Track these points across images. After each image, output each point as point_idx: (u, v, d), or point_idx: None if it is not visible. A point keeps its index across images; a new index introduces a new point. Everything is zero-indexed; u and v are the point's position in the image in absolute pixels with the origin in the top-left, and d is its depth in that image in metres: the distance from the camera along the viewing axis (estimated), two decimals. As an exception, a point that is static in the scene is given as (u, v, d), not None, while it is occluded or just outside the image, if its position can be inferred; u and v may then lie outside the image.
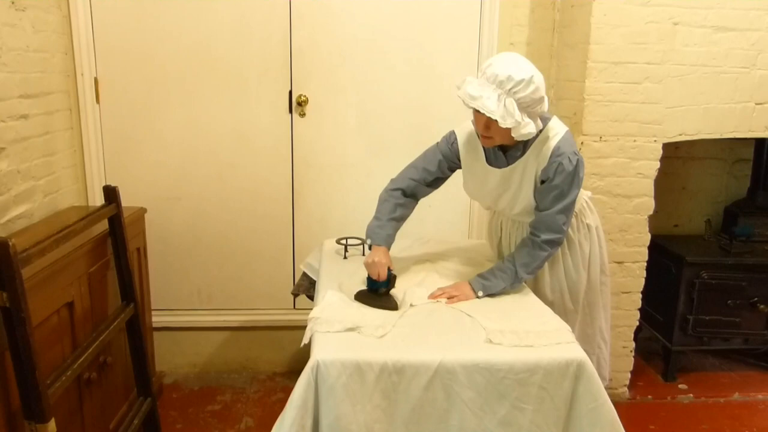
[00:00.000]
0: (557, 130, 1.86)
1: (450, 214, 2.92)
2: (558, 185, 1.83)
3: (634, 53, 2.47)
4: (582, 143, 2.53)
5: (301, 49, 2.69)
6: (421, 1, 2.70)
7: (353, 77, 2.75)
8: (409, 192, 2.04)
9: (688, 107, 2.56)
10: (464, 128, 2.02)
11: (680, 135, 2.59)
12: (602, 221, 2.22)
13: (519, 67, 1.69)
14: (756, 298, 2.89)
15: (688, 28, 2.47)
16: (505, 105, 1.67)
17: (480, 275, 1.92)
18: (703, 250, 2.99)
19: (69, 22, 2.53)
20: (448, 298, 1.86)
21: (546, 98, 1.75)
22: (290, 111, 2.75)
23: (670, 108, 2.54)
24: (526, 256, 1.91)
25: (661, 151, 2.58)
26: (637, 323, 2.80)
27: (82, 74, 2.60)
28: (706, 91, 2.55)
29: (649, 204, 2.64)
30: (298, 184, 2.84)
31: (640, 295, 2.75)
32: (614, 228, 2.63)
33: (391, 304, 1.81)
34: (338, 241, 2.33)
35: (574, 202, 1.88)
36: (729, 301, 2.89)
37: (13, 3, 2.14)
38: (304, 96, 2.73)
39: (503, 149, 1.92)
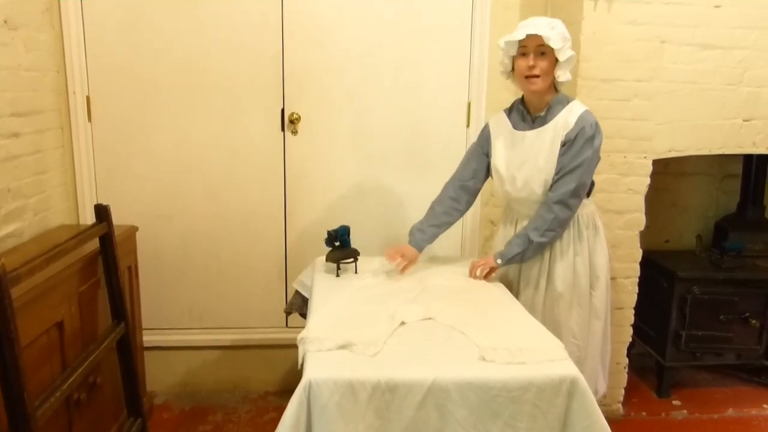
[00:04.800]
0: (581, 106, 2.11)
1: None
2: (576, 146, 2.05)
3: (623, 70, 2.50)
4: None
5: (293, 66, 2.70)
6: (412, 18, 2.72)
7: (345, 95, 2.76)
8: (455, 195, 2.29)
9: (677, 124, 2.58)
10: (496, 116, 2.28)
11: (670, 151, 2.61)
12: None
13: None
14: (748, 313, 2.90)
15: (676, 46, 2.51)
16: (558, 31, 1.98)
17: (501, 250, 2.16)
18: (695, 266, 3.00)
19: (61, 41, 2.54)
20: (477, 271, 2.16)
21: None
22: (282, 129, 2.76)
23: (660, 124, 2.57)
24: (537, 220, 2.11)
25: (651, 167, 2.60)
26: (630, 339, 2.80)
27: (74, 92, 2.60)
28: (695, 107, 2.58)
29: (640, 220, 2.65)
30: (290, 202, 2.83)
31: (633, 311, 2.75)
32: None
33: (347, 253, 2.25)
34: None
35: (587, 166, 2.06)
36: (721, 316, 2.90)
37: (5, 22, 2.14)
38: (297, 114, 2.74)
39: (530, 115, 2.16)
